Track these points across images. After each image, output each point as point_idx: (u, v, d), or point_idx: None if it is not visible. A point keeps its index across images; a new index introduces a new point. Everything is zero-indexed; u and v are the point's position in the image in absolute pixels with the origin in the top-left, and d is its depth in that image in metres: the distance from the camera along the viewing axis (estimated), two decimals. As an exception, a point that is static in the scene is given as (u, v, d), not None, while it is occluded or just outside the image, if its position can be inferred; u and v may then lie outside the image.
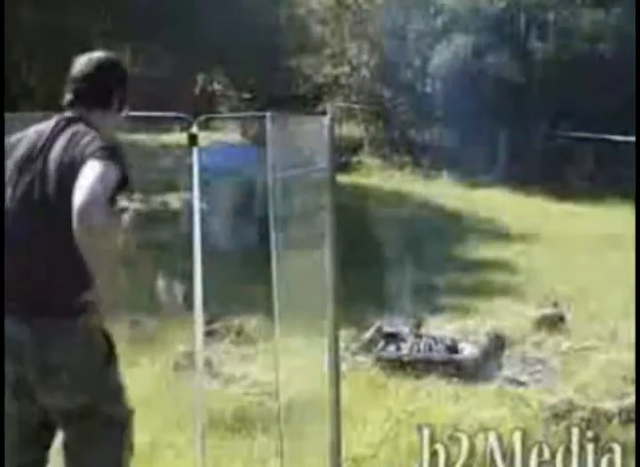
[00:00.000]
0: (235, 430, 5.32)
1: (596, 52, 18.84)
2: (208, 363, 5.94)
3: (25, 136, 3.31)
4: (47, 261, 3.14)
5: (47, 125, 3.30)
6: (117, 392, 3.30)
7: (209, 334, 6.64)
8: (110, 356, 3.27)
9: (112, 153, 3.11)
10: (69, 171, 3.08)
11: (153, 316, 7.36)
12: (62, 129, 3.25)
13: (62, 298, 3.12)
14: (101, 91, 3.36)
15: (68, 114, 3.32)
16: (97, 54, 3.42)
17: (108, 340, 3.26)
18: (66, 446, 3.29)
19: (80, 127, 3.24)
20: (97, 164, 3.03)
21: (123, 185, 3.10)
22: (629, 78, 17.17)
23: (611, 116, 17.59)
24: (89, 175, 2.99)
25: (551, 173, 18.63)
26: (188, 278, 4.49)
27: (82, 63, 3.36)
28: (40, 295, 3.14)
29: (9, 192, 3.22)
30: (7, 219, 3.21)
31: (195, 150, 4.21)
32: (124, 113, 3.46)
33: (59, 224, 3.01)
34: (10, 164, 3.25)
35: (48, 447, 3.39)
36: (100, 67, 3.36)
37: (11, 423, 3.27)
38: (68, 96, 3.35)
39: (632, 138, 15.58)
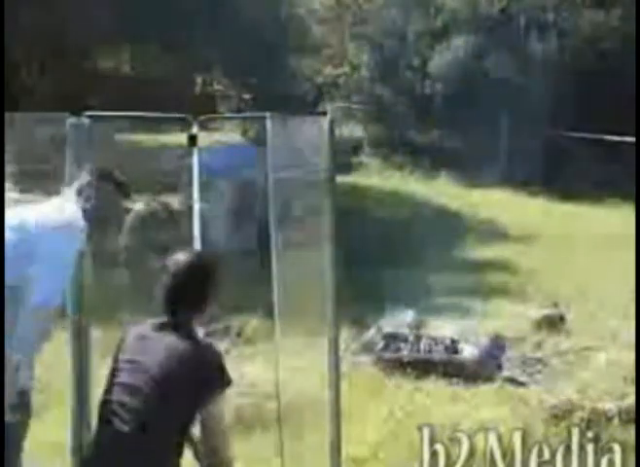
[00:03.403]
0: (235, 430, 5.32)
1: (596, 52, 18.83)
2: (208, 363, 5.93)
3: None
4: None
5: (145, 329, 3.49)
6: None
7: (209, 334, 6.63)
8: None
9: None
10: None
11: (153, 317, 7.34)
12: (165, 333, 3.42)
13: None
14: (195, 299, 3.41)
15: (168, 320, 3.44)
16: (185, 260, 3.38)
17: None
18: None
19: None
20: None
21: None
22: (629, 78, 17.17)
23: (611, 116, 17.57)
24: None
25: (551, 173, 18.61)
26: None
27: (173, 271, 3.37)
28: None
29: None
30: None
31: (195, 150, 4.21)
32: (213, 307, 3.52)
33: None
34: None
35: None
36: (191, 275, 3.38)
37: None
38: (166, 306, 3.44)
39: (632, 138, 15.62)
